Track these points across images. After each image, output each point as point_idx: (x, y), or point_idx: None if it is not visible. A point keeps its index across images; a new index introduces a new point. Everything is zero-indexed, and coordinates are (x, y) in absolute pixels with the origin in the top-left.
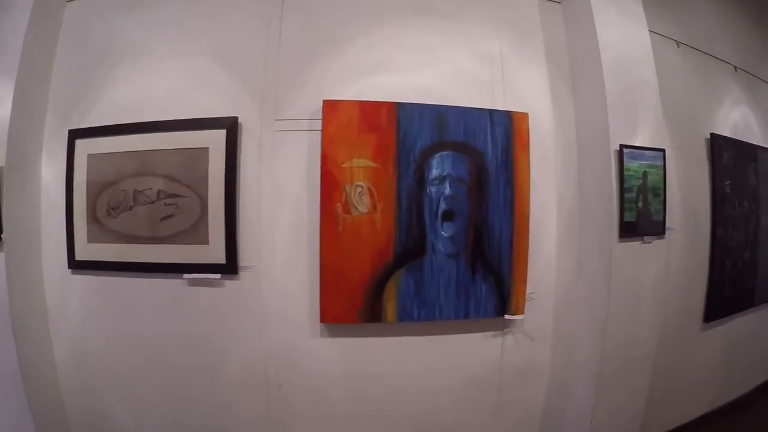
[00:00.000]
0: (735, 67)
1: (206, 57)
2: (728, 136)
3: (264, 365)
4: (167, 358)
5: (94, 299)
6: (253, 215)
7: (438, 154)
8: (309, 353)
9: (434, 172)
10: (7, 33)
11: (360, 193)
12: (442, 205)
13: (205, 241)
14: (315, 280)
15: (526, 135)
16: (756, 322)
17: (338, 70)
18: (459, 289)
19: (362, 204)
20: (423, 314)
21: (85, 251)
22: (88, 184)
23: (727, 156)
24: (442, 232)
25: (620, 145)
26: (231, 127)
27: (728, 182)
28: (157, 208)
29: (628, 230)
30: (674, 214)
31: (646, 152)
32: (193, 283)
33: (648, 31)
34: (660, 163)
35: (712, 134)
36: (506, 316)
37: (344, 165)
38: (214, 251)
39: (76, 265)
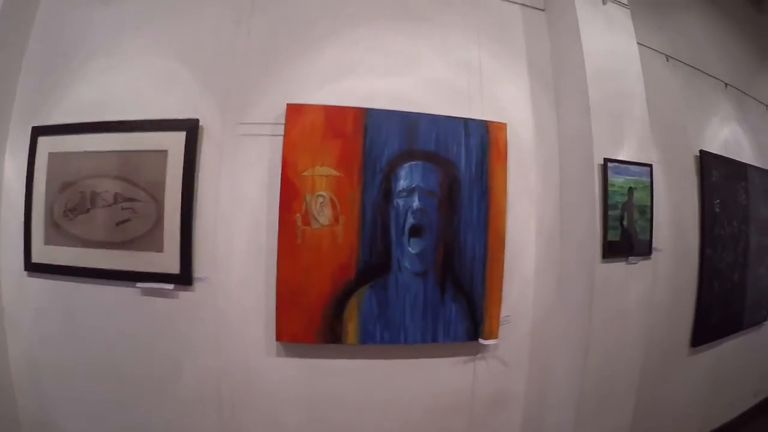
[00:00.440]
0: (725, 84)
1: (172, 56)
2: (718, 153)
3: (218, 384)
4: (120, 371)
5: (49, 304)
6: (210, 223)
7: (407, 164)
8: (265, 373)
9: (402, 184)
10: None
11: (321, 203)
12: (410, 219)
13: (160, 249)
14: (272, 295)
15: (503, 146)
16: (744, 347)
17: (307, 72)
18: (426, 310)
19: (323, 215)
20: (387, 336)
21: (41, 254)
22: (48, 183)
23: (716, 174)
24: (409, 248)
25: (604, 158)
26: (191, 129)
27: (718, 201)
28: (114, 212)
29: (612, 250)
30: (661, 234)
31: (632, 167)
32: (147, 292)
33: (636, 43)
34: (647, 179)
35: (701, 151)
36: (479, 341)
37: (305, 173)
38: (168, 260)
39: (32, 268)
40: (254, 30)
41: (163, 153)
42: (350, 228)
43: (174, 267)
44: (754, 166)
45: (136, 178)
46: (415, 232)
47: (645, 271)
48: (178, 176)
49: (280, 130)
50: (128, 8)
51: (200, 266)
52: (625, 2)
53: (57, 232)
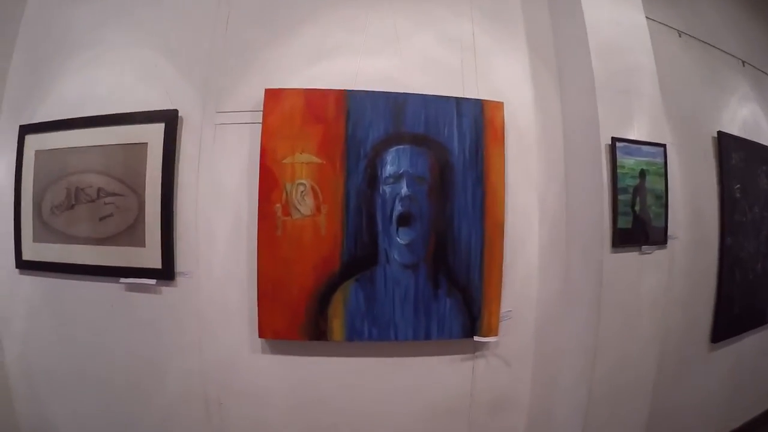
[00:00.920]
0: (742, 62)
1: (152, 47)
2: (737, 135)
3: (203, 381)
4: (107, 366)
5: (39, 301)
6: (191, 216)
7: (393, 149)
8: (249, 371)
9: (389, 169)
10: None
11: (302, 192)
12: (398, 208)
13: (142, 244)
14: (254, 289)
15: (500, 127)
16: None
17: (286, 57)
18: (418, 306)
19: (304, 205)
20: (375, 333)
21: (30, 251)
22: (35, 181)
23: (736, 157)
24: (398, 239)
25: (612, 137)
26: (170, 120)
27: (738, 186)
28: (97, 207)
29: (623, 239)
30: (678, 220)
31: (644, 147)
32: (131, 288)
33: (645, 16)
34: (660, 160)
35: (719, 132)
36: (476, 338)
37: (285, 161)
38: (151, 255)
39: (23, 265)
40: (233, 16)
41: (143, 146)
42: (333, 218)
43: (156, 262)
44: None
45: (118, 173)
46: (404, 221)
47: (660, 261)
48: (158, 169)
49: (260, 117)
50: (109, 2)
51: (182, 261)
52: None
53: (45, 229)
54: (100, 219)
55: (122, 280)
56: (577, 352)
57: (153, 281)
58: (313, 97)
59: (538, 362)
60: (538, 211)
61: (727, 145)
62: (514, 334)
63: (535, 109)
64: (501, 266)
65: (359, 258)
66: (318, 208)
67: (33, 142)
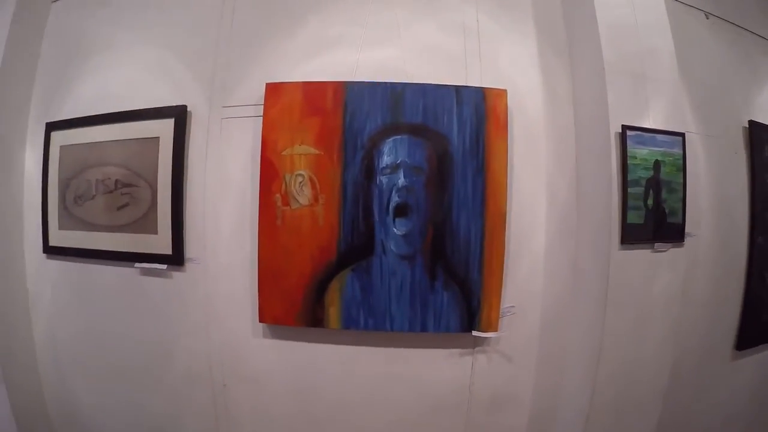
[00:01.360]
0: None
1: (163, 45)
2: None
3: (209, 363)
4: (123, 345)
5: (64, 283)
6: (199, 206)
7: (390, 139)
8: (251, 354)
9: (386, 160)
10: None
11: (300, 183)
12: (395, 198)
13: (154, 231)
14: (256, 276)
15: (503, 115)
16: None
17: (288, 51)
18: (414, 297)
19: (303, 195)
20: (371, 323)
21: (56, 237)
22: (60, 174)
23: None
24: (395, 230)
25: (622, 125)
26: (180, 115)
27: None
28: (115, 198)
29: (633, 235)
30: (699, 216)
31: (659, 136)
32: (144, 272)
33: None
34: (678, 150)
35: (751, 122)
36: (474, 333)
37: (284, 152)
38: (162, 241)
39: (49, 250)
40: (238, 11)
41: (156, 140)
42: (331, 208)
43: (167, 248)
44: None
45: (133, 165)
46: (401, 211)
47: (676, 260)
48: (169, 161)
49: (262, 111)
50: (123, 5)
51: (191, 247)
52: None
53: (69, 218)
54: (118, 208)
55: (136, 264)
56: (582, 353)
57: (164, 266)
58: (312, 90)
59: (542, 360)
60: (546, 202)
61: (759, 135)
62: (517, 330)
63: (545, 96)
64: (502, 259)
65: (356, 248)
66: (316, 199)
67: (58, 138)
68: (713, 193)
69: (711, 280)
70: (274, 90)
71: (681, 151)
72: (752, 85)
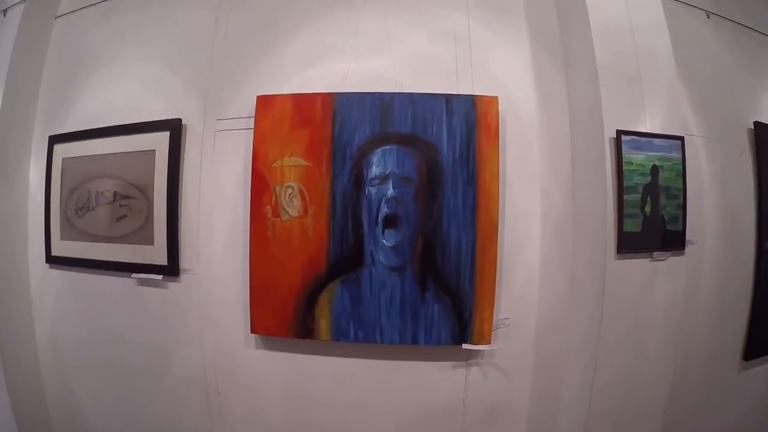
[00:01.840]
0: None
1: (160, 60)
2: None
3: (204, 371)
4: (123, 352)
5: (66, 292)
6: (193, 218)
7: (379, 149)
8: (244, 364)
9: (374, 170)
10: None
11: (290, 195)
12: (384, 209)
13: (151, 242)
14: (248, 287)
15: (494, 123)
16: None
17: (279, 63)
18: (404, 309)
19: (292, 207)
20: (361, 335)
21: (58, 247)
22: (62, 186)
23: None
24: (384, 241)
25: (617, 130)
26: (175, 128)
27: None
28: (114, 209)
29: (630, 243)
30: (703, 223)
31: (657, 141)
32: (141, 282)
33: None
34: (677, 155)
35: (756, 123)
36: (464, 346)
37: (275, 164)
38: (158, 252)
39: (52, 260)
40: (231, 26)
41: (152, 152)
42: (320, 219)
43: (162, 259)
44: None
45: (131, 177)
46: (390, 222)
47: (676, 269)
48: (164, 174)
49: (253, 123)
50: (124, 21)
51: (186, 258)
52: None
53: (70, 229)
54: (117, 219)
55: (134, 275)
56: (578, 365)
57: (159, 277)
58: (301, 102)
59: (538, 372)
60: (540, 211)
61: (765, 137)
62: (512, 342)
63: (538, 102)
64: (494, 270)
65: (345, 259)
66: (305, 210)
67: (60, 150)
68: (717, 198)
69: (716, 288)
70: (264, 102)
71: (680, 156)
72: (757, 85)
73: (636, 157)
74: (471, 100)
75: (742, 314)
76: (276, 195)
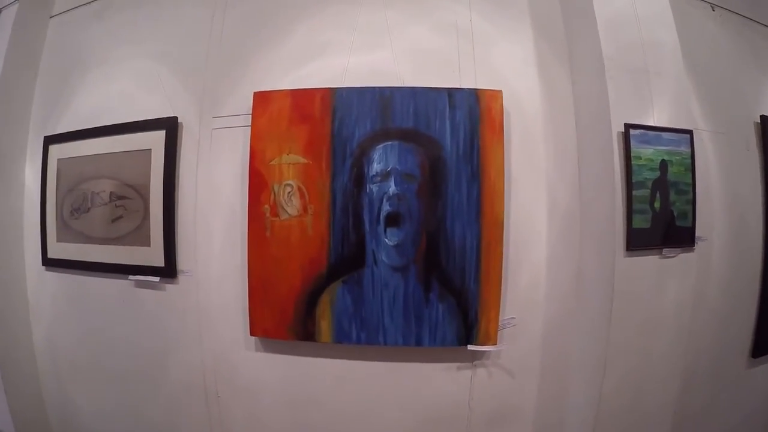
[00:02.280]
0: None
1: (156, 58)
2: None
3: (203, 375)
4: (120, 355)
5: (62, 295)
6: (190, 218)
7: (380, 145)
8: (244, 366)
9: (375, 167)
10: None
11: (289, 193)
12: (386, 207)
13: (147, 243)
14: (247, 289)
15: (498, 117)
16: None
17: (276, 59)
18: (408, 310)
19: (291, 206)
20: (363, 337)
21: (54, 249)
22: (57, 187)
23: None
24: (386, 240)
25: (625, 124)
26: (171, 127)
27: None
28: (109, 210)
29: (640, 240)
30: (711, 219)
31: (665, 134)
32: (138, 284)
33: None
34: (686, 149)
35: (762, 117)
36: (470, 347)
37: (273, 162)
38: (155, 254)
39: (48, 263)
40: (228, 21)
41: (148, 152)
42: (320, 218)
43: (159, 260)
44: None
45: (126, 177)
46: (392, 221)
47: (686, 266)
48: (160, 173)
49: (250, 120)
50: (118, 19)
51: (183, 259)
52: None
53: (66, 230)
54: (112, 221)
55: (130, 277)
56: (587, 365)
57: (157, 279)
58: (300, 97)
59: (546, 373)
60: (547, 207)
61: None
62: (519, 343)
63: (543, 96)
64: (500, 269)
65: (346, 259)
66: (305, 209)
67: (55, 151)
68: (725, 194)
69: (724, 284)
70: (261, 99)
71: (689, 150)
72: (763, 78)
73: (644, 151)
74: (474, 94)
75: (750, 311)
76: (274, 193)
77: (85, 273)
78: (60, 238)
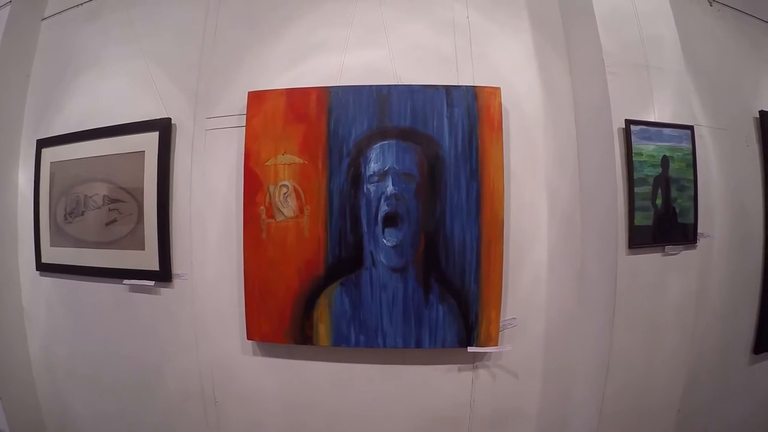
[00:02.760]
0: None
1: (149, 59)
2: None
3: (200, 380)
4: (116, 361)
5: (57, 300)
6: (185, 221)
7: (377, 145)
8: (242, 371)
9: (373, 167)
10: None
11: (285, 194)
12: (383, 207)
13: (142, 247)
14: (243, 292)
15: (497, 115)
16: None
17: (271, 58)
18: (407, 312)
19: (287, 207)
20: (362, 340)
21: (48, 254)
22: (50, 190)
23: None
24: (384, 241)
25: (626, 120)
26: (164, 128)
27: None
28: (103, 213)
29: (642, 238)
30: (712, 215)
31: (666, 130)
32: (133, 289)
33: None
34: (687, 145)
35: (761, 112)
36: (471, 348)
37: (268, 162)
38: (149, 257)
39: (42, 267)
40: (221, 21)
41: (141, 154)
42: (317, 219)
43: (154, 264)
44: None
45: (120, 180)
46: (390, 221)
47: (688, 263)
48: (154, 175)
49: (244, 120)
50: (111, 20)
51: (178, 263)
52: None
53: (60, 235)
54: (106, 224)
55: (125, 281)
56: (589, 365)
57: (151, 283)
58: (295, 97)
59: (548, 374)
60: (547, 205)
61: None
62: (521, 343)
63: (542, 92)
64: (501, 269)
65: (344, 261)
66: (301, 210)
67: (48, 154)
68: (726, 190)
69: (726, 281)
70: (256, 98)
71: (690, 146)
72: (761, 73)
73: (646, 147)
74: (473, 92)
75: (751, 308)
76: (270, 194)
77: (80, 278)
78: (54, 243)
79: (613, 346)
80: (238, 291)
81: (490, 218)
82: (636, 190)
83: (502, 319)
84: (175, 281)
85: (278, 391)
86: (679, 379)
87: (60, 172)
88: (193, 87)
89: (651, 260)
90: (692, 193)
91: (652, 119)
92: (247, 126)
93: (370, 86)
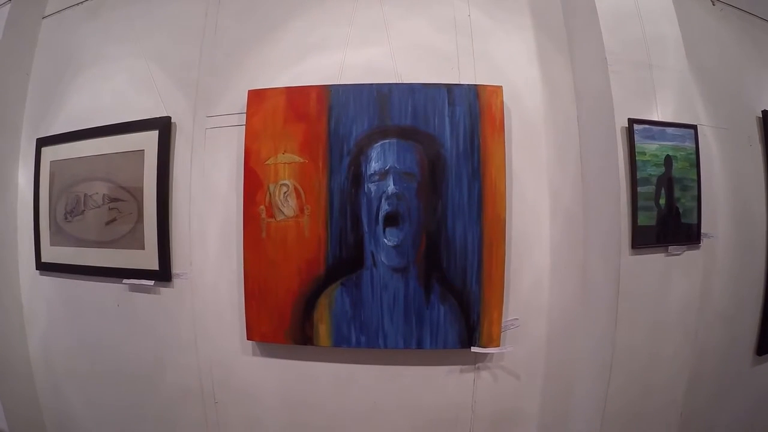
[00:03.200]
0: None
1: (150, 57)
2: None
3: (200, 380)
4: (115, 360)
5: (57, 299)
6: (185, 220)
7: (378, 144)
8: (241, 371)
9: (374, 166)
10: None
11: (285, 193)
12: (384, 207)
13: (141, 246)
14: (243, 292)
15: (499, 113)
16: None
17: (273, 56)
18: (408, 312)
19: (287, 206)
20: (363, 340)
21: (48, 253)
22: (50, 189)
23: None
24: (385, 240)
25: (629, 119)
26: (164, 127)
27: None
28: (103, 213)
29: (645, 238)
30: (715, 215)
31: (669, 129)
32: (133, 288)
33: None
34: (690, 144)
35: (764, 112)
36: (472, 349)
37: (268, 161)
38: (149, 257)
39: (42, 267)
40: (221, 19)
41: (141, 153)
42: (317, 219)
43: (153, 263)
44: None
45: (119, 179)
46: (391, 221)
47: (692, 263)
48: (154, 174)
49: (245, 119)
50: (111, 18)
51: (178, 262)
52: None
53: (60, 234)
54: (106, 223)
55: (125, 281)
56: (592, 366)
57: (151, 282)
58: (295, 95)
59: (550, 375)
60: (549, 205)
61: None
62: (523, 344)
63: (544, 92)
64: (503, 269)
65: (344, 261)
66: (301, 209)
67: (48, 153)
68: (729, 190)
69: (730, 282)
70: (256, 97)
71: (693, 145)
72: (764, 73)
73: (649, 146)
74: (474, 90)
75: (754, 309)
76: (270, 194)
77: (80, 277)
78: (54, 242)
79: (616, 346)
80: (237, 291)
81: (492, 218)
82: (639, 189)
83: (504, 319)
84: (175, 281)
85: (278, 392)
86: (681, 379)
87: (60, 170)
88: (193, 85)
89: (654, 260)
90: (695, 192)
91: (655, 118)
92: (247, 125)
93: (371, 85)
